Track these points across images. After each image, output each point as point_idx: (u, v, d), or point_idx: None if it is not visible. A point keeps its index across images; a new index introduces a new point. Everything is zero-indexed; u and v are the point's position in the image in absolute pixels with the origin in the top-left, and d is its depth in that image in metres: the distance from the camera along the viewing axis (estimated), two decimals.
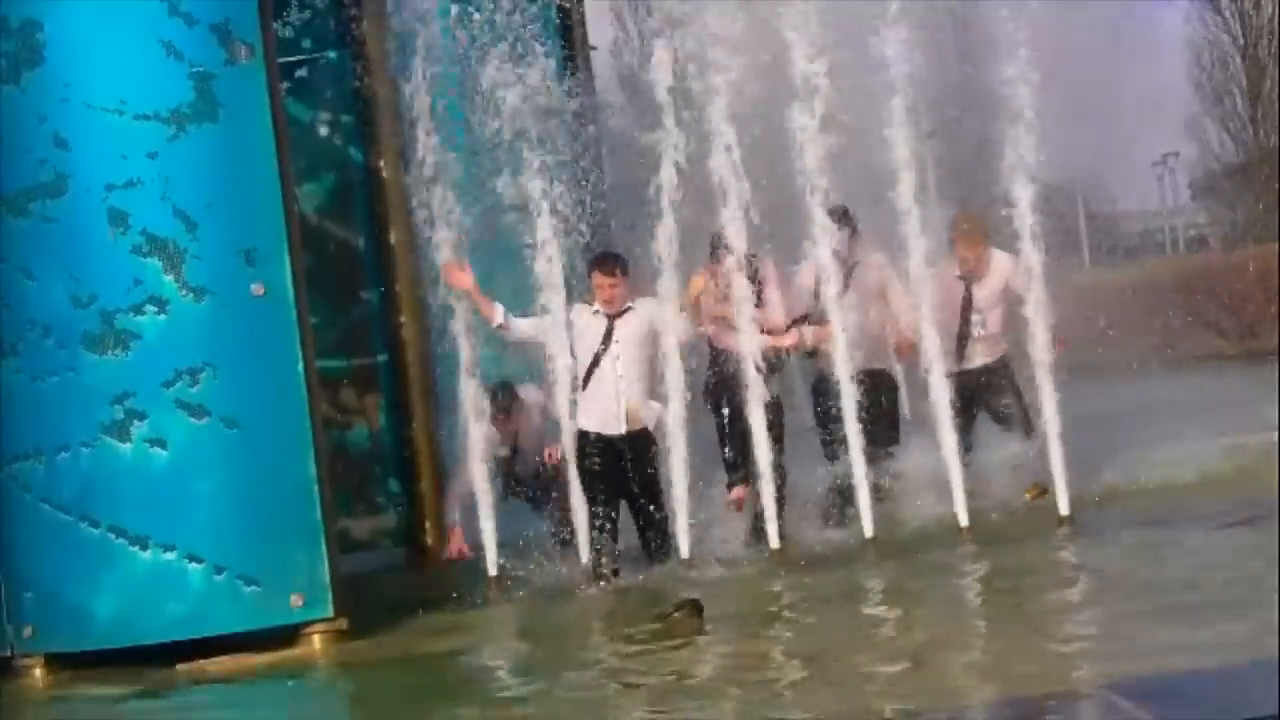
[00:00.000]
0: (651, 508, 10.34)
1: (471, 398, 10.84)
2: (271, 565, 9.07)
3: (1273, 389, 12.25)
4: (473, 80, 11.37)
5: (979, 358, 11.23)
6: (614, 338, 10.27)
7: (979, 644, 6.97)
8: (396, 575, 11.73)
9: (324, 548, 9.20)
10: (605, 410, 10.28)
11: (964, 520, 10.15)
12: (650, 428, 10.36)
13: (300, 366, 9.24)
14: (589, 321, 10.40)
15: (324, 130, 12.32)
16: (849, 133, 10.50)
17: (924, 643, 7.13)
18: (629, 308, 10.33)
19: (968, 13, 11.24)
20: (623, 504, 10.41)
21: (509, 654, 8.69)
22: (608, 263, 10.46)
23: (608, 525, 10.28)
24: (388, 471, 12.43)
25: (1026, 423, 10.95)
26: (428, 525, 12.19)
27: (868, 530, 10.20)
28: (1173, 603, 7.39)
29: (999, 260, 11.10)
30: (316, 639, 9.15)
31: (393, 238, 12.11)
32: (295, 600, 9.07)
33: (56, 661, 9.22)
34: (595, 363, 10.27)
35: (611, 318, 10.31)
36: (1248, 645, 5.93)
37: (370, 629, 9.31)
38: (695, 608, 8.48)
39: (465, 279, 10.53)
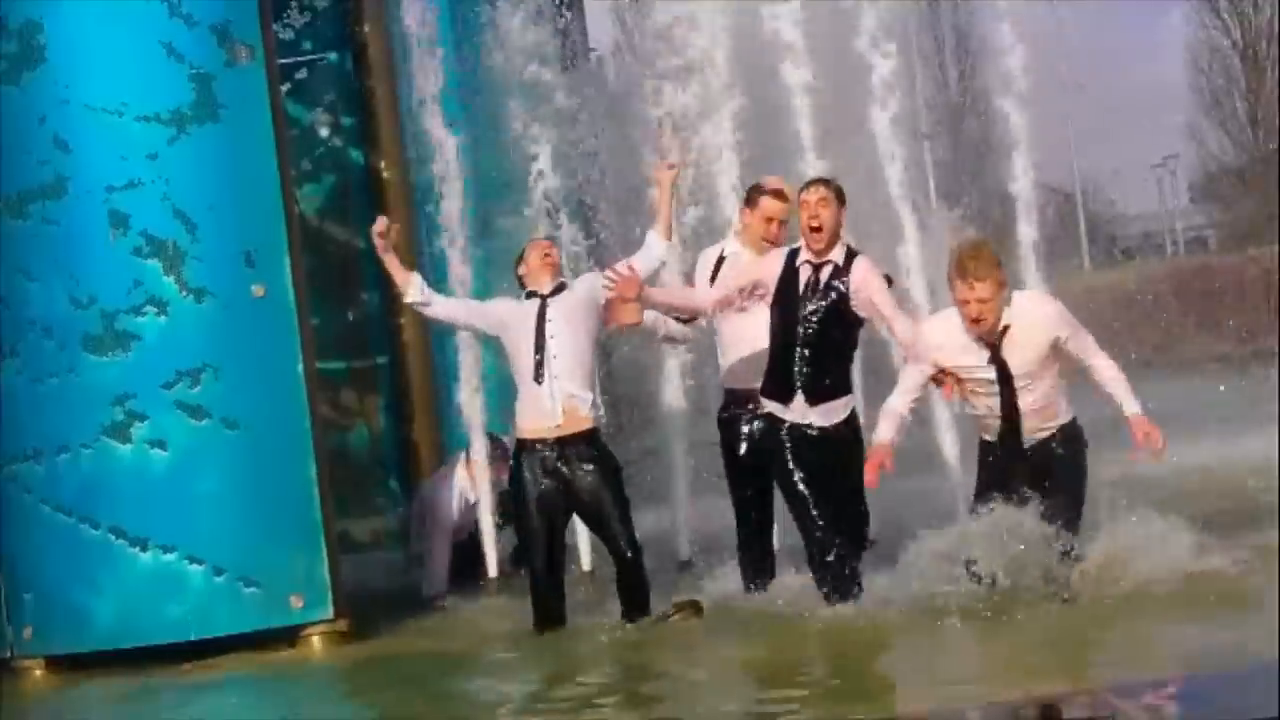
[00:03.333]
0: (618, 539, 8.51)
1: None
2: (271, 566, 9.08)
3: (1273, 389, 12.26)
4: (471, 79, 11.39)
5: (1028, 434, 8.00)
6: (547, 317, 8.58)
7: (977, 643, 6.97)
8: (397, 576, 11.73)
9: (324, 549, 9.20)
10: (537, 409, 8.56)
11: (963, 523, 10.11)
12: (593, 424, 8.65)
13: (300, 368, 9.25)
14: (515, 309, 8.75)
15: (324, 131, 12.34)
16: (846, 133, 10.52)
17: (922, 642, 7.13)
18: (562, 284, 8.77)
19: (967, 17, 11.25)
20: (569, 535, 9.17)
21: (508, 656, 8.68)
22: (541, 241, 9.13)
23: (547, 570, 8.57)
24: (388, 473, 12.43)
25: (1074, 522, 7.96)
26: None
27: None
28: (1172, 603, 7.39)
29: (1029, 307, 7.96)
30: (316, 640, 9.16)
31: (393, 239, 12.09)
32: (295, 601, 9.08)
33: (57, 663, 9.22)
34: (539, 350, 8.55)
35: (544, 298, 8.68)
36: (1248, 647, 5.94)
37: (370, 630, 9.31)
38: (695, 608, 8.48)
39: (379, 241, 8.83)
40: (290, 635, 9.13)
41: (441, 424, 11.98)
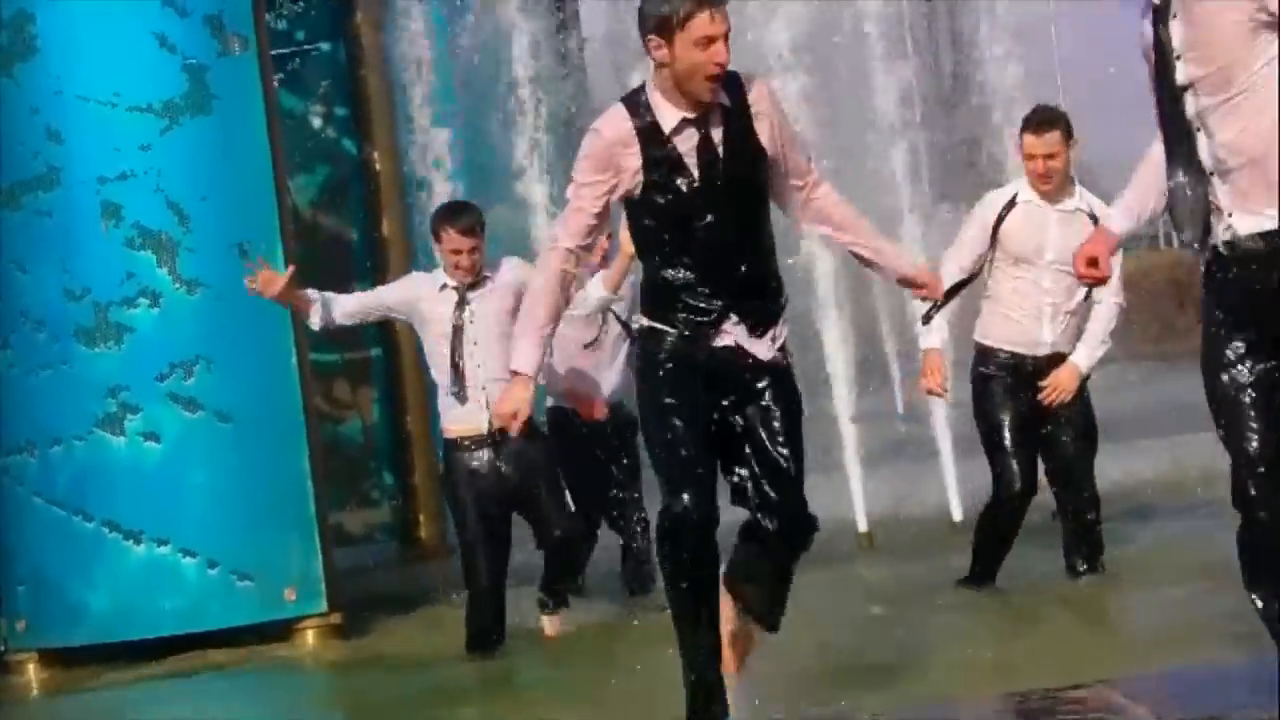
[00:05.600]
0: (549, 514, 7.88)
1: None
2: (265, 559, 9.06)
3: None
4: (465, 69, 11.37)
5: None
6: (467, 315, 7.75)
7: (976, 642, 6.96)
8: (391, 569, 11.71)
9: (318, 542, 9.19)
10: (462, 414, 7.82)
11: (958, 516, 10.12)
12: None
13: (294, 360, 9.22)
14: (433, 298, 7.84)
15: (317, 122, 12.30)
16: (842, 130, 10.51)
17: (922, 640, 7.12)
18: (485, 276, 7.83)
19: (963, 10, 11.24)
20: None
21: (504, 649, 8.66)
22: (463, 215, 7.86)
23: (490, 583, 7.87)
24: (381, 465, 12.41)
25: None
26: (421, 519, 12.17)
27: (861, 525, 10.21)
28: (1172, 601, 7.38)
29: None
30: (310, 633, 9.13)
31: (386, 230, 12.09)
32: (289, 594, 9.05)
33: (50, 656, 9.20)
34: (455, 351, 7.77)
35: (463, 290, 7.80)
36: (1248, 645, 5.92)
37: (364, 623, 9.29)
38: None
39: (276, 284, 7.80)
40: (284, 629, 9.11)
41: (435, 416, 11.95)
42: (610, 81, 12.61)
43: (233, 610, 8.97)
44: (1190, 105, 4.45)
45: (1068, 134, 7.63)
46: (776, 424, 5.36)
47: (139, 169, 9.01)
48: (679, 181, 5.25)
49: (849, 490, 10.39)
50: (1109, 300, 7.68)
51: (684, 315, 5.34)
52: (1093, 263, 4.73)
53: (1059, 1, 10.82)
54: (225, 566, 8.96)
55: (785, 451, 5.34)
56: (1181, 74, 4.44)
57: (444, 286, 7.79)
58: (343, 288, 12.14)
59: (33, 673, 9.20)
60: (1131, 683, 5.45)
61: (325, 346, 11.71)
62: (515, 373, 5.35)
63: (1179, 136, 4.50)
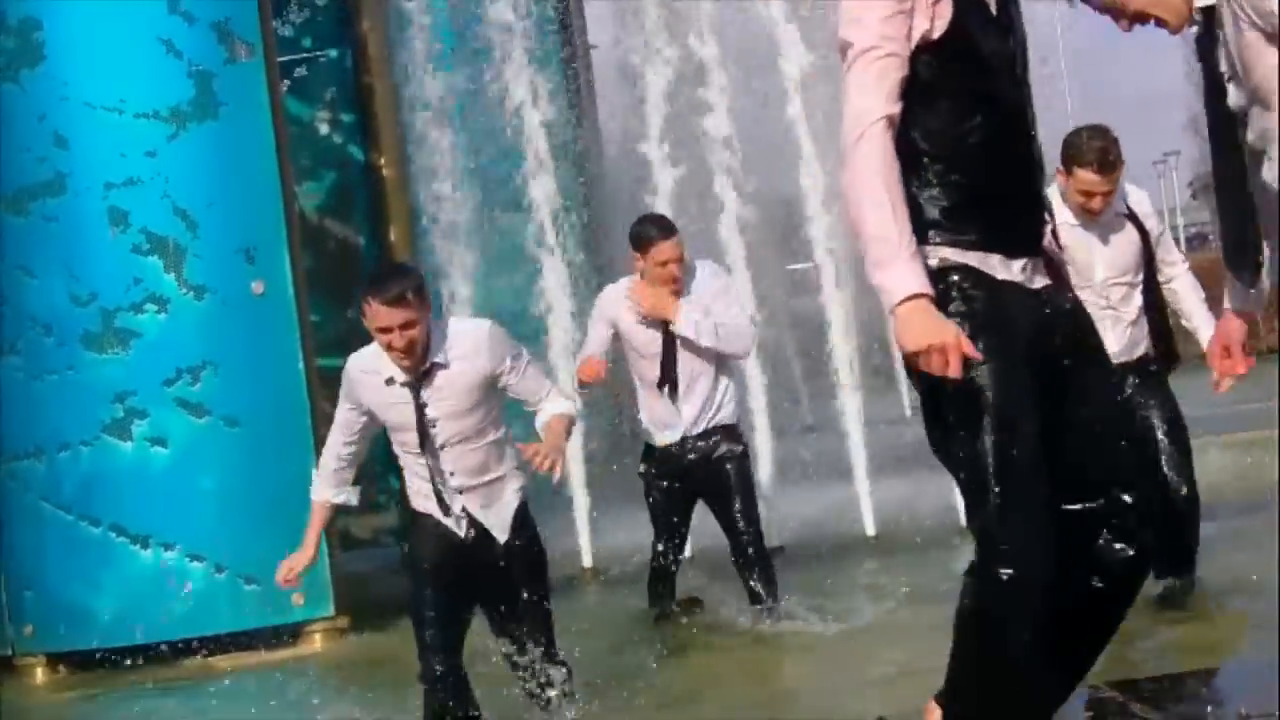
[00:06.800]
0: (530, 647, 6.50)
1: None
2: (272, 564, 8.98)
3: (1273, 388, 12.23)
4: (470, 79, 11.39)
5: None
6: (426, 414, 6.06)
7: None
8: (397, 573, 11.72)
9: (324, 546, 9.20)
10: (437, 516, 6.30)
11: (964, 520, 10.12)
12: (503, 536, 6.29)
13: (300, 365, 9.26)
14: (380, 393, 6.09)
15: (324, 128, 12.33)
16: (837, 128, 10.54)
17: (930, 642, 7.12)
18: (435, 364, 6.00)
19: None
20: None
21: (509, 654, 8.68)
22: (390, 283, 5.89)
23: (440, 659, 6.30)
24: (388, 469, 12.39)
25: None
26: None
27: (869, 529, 10.21)
28: (1172, 600, 7.37)
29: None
30: (318, 637, 9.18)
31: (393, 236, 12.11)
32: (296, 599, 9.08)
33: (58, 661, 9.22)
34: (435, 477, 6.19)
35: (413, 386, 6.03)
36: (1247, 644, 5.94)
37: (371, 627, 9.30)
38: (697, 607, 8.47)
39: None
40: (291, 633, 9.14)
41: None
42: (617, 87, 12.63)
43: (240, 614, 9.01)
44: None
45: None
46: (1116, 395, 4.11)
47: (146, 175, 9.05)
48: (989, 37, 3.93)
49: (857, 493, 10.41)
50: (1180, 269, 7.58)
51: (994, 232, 3.92)
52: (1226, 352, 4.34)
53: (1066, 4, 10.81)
54: (232, 570, 8.99)
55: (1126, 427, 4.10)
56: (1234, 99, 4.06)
57: (390, 381, 6.04)
58: (350, 294, 12.27)
59: (40, 677, 9.23)
60: (1133, 684, 5.46)
61: (333, 351, 11.73)
62: (913, 296, 3.83)
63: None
